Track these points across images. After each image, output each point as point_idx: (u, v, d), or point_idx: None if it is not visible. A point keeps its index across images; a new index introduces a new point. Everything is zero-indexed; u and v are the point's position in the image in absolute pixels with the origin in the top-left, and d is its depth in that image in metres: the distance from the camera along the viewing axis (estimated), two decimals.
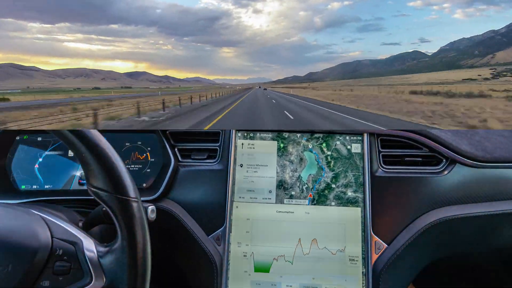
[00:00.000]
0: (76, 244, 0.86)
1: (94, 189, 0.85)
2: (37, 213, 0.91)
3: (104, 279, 0.84)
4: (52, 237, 0.85)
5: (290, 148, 1.35)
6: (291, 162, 1.35)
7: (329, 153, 1.34)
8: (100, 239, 0.93)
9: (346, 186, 1.32)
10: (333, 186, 1.32)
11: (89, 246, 0.87)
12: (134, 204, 0.84)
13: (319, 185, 1.32)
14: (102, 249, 0.88)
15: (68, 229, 0.89)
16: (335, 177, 1.32)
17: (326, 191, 1.31)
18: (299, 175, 1.33)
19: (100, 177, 0.83)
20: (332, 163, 1.34)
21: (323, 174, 1.33)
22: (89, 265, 0.85)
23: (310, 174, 1.33)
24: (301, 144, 1.36)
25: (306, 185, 1.32)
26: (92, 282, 0.83)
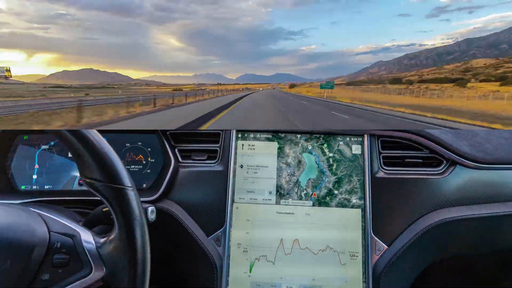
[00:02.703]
0: (73, 236, 0.87)
1: (89, 180, 0.85)
2: (34, 210, 0.92)
3: (104, 269, 0.85)
4: (49, 231, 0.86)
5: (287, 149, 1.29)
6: (288, 165, 1.27)
7: (331, 154, 1.29)
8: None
9: (350, 192, 1.24)
10: (336, 192, 1.25)
11: (87, 237, 0.88)
12: (130, 193, 0.85)
13: (320, 191, 1.25)
14: (100, 240, 0.88)
15: (65, 223, 0.90)
16: (338, 182, 1.26)
17: (328, 198, 1.24)
18: (297, 180, 1.26)
19: (94, 168, 0.83)
20: (334, 166, 1.27)
21: (324, 178, 1.26)
22: (88, 256, 0.85)
23: (309, 179, 1.26)
24: (300, 144, 1.30)
25: (305, 191, 1.26)
26: (92, 273, 0.84)
